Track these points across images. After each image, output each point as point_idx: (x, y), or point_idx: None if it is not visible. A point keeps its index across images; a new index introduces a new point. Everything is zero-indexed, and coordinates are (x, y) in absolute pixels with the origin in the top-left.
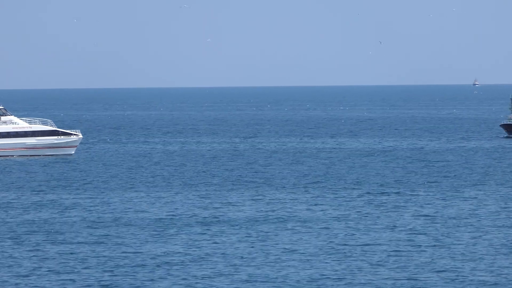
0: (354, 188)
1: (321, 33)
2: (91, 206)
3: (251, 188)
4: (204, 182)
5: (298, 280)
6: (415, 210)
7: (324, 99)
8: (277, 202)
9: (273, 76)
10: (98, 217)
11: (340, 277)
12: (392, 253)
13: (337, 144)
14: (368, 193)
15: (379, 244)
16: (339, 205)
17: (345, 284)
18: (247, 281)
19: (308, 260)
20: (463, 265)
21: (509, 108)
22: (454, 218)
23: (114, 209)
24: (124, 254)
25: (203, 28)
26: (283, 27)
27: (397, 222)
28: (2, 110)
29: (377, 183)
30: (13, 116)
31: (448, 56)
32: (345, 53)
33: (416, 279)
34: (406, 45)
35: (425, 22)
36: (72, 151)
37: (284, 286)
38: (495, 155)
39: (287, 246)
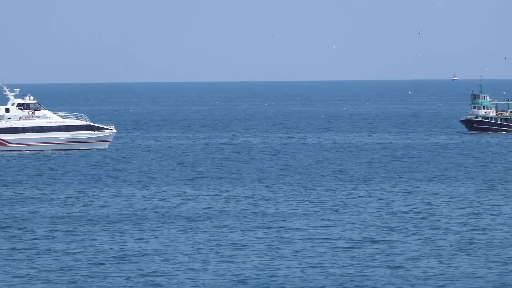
0: (318, 183)
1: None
2: (124, 199)
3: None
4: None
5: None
6: (371, 205)
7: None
8: (247, 198)
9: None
10: (134, 210)
11: (301, 273)
12: (354, 249)
13: (302, 139)
14: (329, 188)
15: (337, 239)
16: (301, 200)
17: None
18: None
19: (264, 255)
20: (421, 261)
21: (470, 104)
22: (407, 212)
23: (146, 202)
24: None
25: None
26: (281, 25)
27: (358, 217)
28: (36, 104)
29: (340, 178)
30: (47, 110)
31: (427, 51)
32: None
33: (374, 275)
34: (384, 40)
35: (409, 17)
36: (106, 145)
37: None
38: (448, 150)
39: (239, 241)
